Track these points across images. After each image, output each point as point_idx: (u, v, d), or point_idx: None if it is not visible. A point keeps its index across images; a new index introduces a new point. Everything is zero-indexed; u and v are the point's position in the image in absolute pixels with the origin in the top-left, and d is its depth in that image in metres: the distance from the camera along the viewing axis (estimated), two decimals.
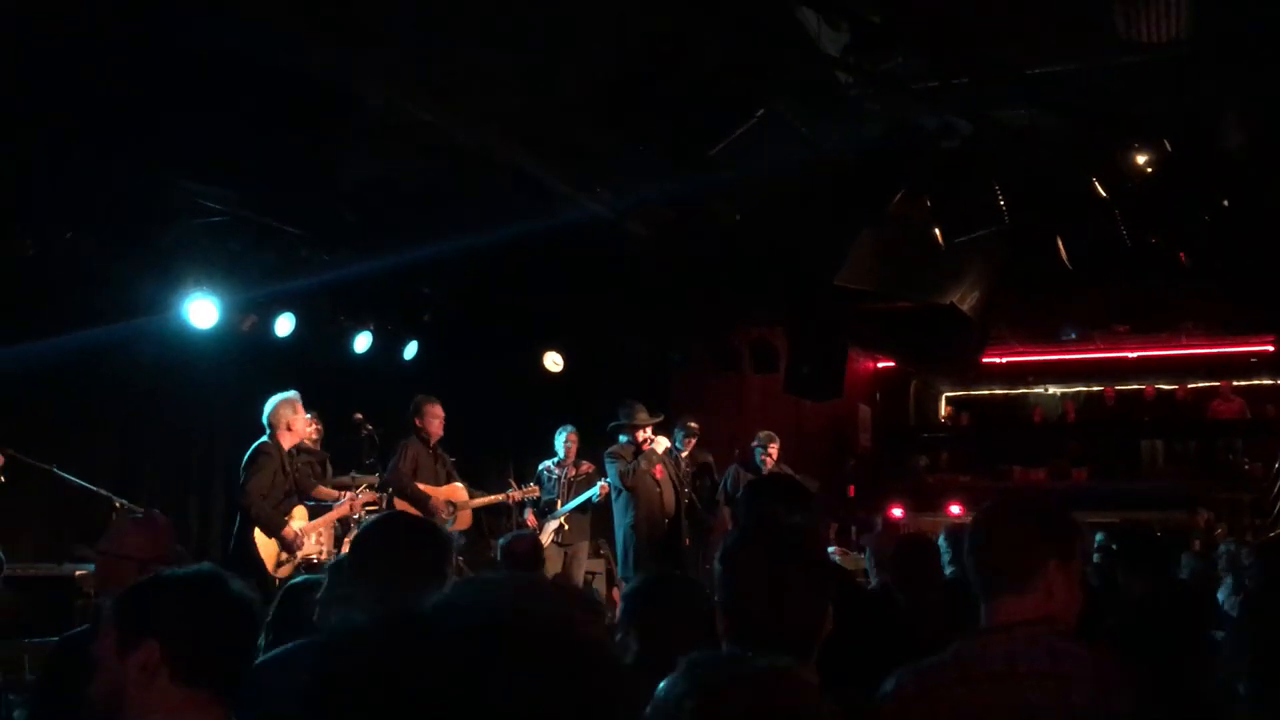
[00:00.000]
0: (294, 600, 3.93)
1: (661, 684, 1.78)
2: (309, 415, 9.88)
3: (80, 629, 3.64)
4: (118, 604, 2.30)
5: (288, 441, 7.57)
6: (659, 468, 9.20)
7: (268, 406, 7.56)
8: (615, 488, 9.20)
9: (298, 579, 5.08)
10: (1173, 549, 7.32)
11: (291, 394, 7.64)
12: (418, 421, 8.75)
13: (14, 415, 7.86)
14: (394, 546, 3.09)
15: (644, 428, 9.19)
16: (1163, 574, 5.60)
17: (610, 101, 5.89)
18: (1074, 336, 17.84)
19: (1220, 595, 7.52)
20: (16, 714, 4.90)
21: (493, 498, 9.15)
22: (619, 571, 9.23)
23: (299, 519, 7.60)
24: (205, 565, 2.37)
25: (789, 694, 1.92)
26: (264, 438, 7.50)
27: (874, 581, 5.98)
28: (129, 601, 2.30)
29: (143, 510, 7.35)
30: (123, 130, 6.58)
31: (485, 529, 10.42)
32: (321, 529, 7.78)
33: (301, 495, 7.72)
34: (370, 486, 8.33)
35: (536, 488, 9.77)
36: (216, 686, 2.22)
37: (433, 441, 8.77)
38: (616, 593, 9.58)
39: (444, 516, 8.45)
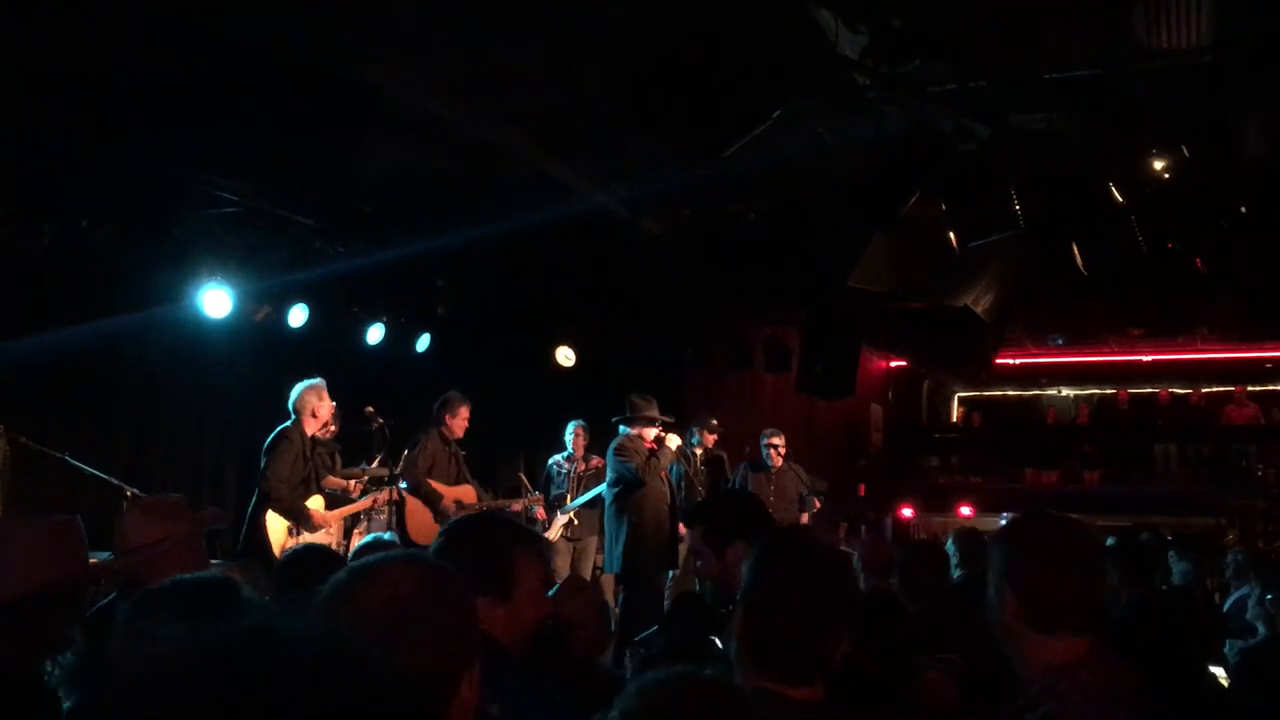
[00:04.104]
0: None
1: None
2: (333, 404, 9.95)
3: (101, 604, 3.58)
4: None
5: (311, 428, 7.59)
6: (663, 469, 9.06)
7: (293, 393, 7.58)
8: (624, 481, 8.70)
9: (302, 546, 5.09)
10: (1162, 556, 7.19)
11: (317, 381, 7.65)
12: (446, 418, 8.67)
13: (28, 403, 7.89)
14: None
15: (653, 424, 8.98)
16: (1150, 582, 5.54)
17: (628, 100, 5.87)
18: (1060, 342, 17.79)
19: (1231, 600, 7.46)
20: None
21: (499, 504, 9.13)
22: (607, 568, 8.94)
23: (315, 507, 7.61)
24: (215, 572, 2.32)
25: (725, 709, 1.95)
26: (287, 423, 7.52)
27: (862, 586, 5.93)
28: None
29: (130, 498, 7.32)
30: (139, 120, 6.58)
31: None
32: (334, 520, 7.81)
33: (316, 484, 7.73)
34: (382, 479, 8.30)
35: (541, 496, 9.80)
36: None
37: (451, 439, 8.72)
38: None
39: (453, 516, 8.46)
